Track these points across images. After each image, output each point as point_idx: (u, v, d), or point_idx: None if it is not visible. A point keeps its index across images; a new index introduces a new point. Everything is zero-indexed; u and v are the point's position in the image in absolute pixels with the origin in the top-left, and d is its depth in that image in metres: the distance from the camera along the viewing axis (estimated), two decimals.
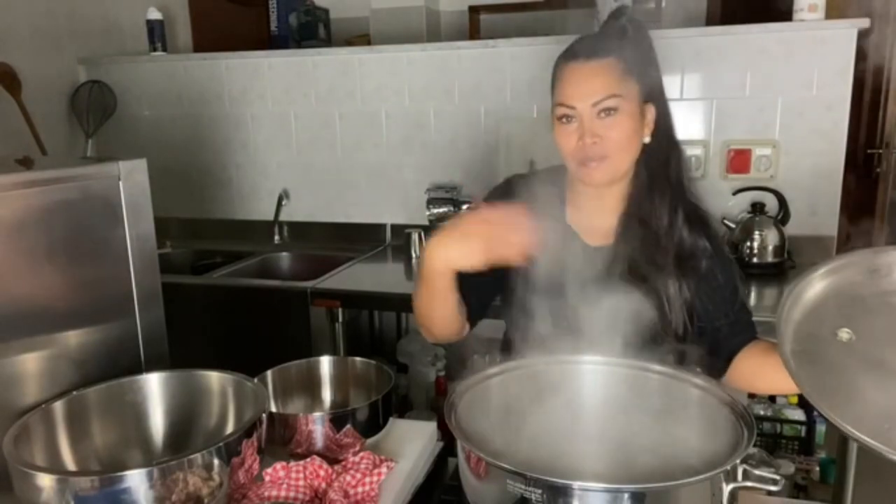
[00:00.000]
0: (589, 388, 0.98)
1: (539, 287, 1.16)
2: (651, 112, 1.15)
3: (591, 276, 1.17)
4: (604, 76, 1.10)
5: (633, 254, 1.15)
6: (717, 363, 1.16)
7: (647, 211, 1.15)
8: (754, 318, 1.21)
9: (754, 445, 0.75)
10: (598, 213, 1.21)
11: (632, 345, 1.11)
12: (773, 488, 0.73)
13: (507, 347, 1.29)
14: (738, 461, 0.72)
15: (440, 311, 1.12)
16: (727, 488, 0.72)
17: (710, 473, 0.70)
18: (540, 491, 0.69)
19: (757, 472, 0.72)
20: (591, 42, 1.15)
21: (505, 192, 1.27)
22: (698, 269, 1.15)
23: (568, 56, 1.15)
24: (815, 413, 2.16)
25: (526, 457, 0.90)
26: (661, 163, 1.17)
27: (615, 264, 1.16)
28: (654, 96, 1.16)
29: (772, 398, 2.23)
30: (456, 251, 1.00)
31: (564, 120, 1.13)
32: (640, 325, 1.12)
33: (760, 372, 1.14)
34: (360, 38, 3.27)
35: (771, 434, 2.12)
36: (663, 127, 1.17)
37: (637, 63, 1.13)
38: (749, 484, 0.73)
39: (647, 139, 1.16)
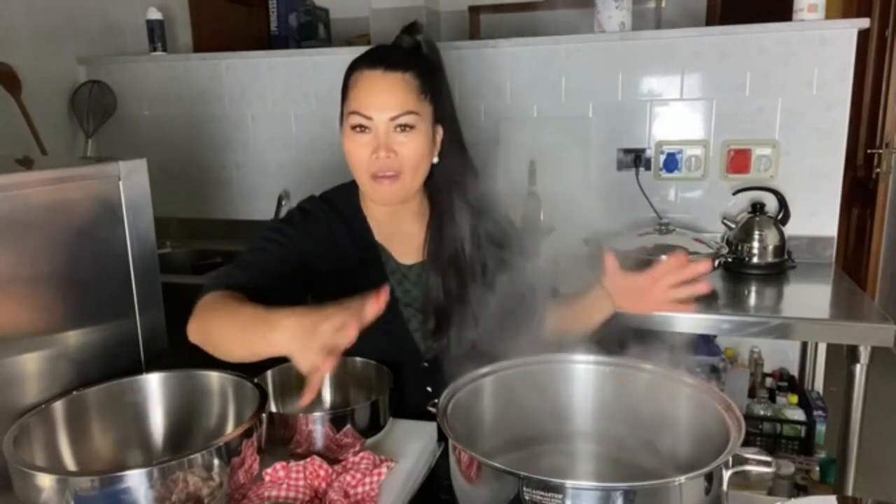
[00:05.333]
0: (580, 388, 0.98)
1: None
2: (440, 133, 1.17)
3: (409, 293, 1.22)
4: (402, 91, 1.10)
5: (442, 270, 1.18)
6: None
7: (448, 229, 1.18)
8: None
9: (755, 444, 0.75)
10: (399, 232, 1.23)
11: (454, 352, 1.14)
12: (766, 470, 0.73)
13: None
14: (728, 458, 0.72)
15: (236, 353, 0.95)
16: (726, 474, 0.73)
17: (700, 471, 0.70)
18: (532, 490, 0.69)
19: (748, 454, 0.73)
20: (389, 53, 1.14)
21: (305, 217, 1.22)
22: (499, 278, 1.16)
23: (365, 63, 1.13)
24: (816, 413, 2.16)
25: (518, 456, 0.90)
26: (455, 184, 1.19)
27: (430, 280, 1.20)
28: (445, 118, 1.17)
29: (772, 398, 2.23)
30: (299, 356, 0.84)
31: (359, 129, 1.12)
32: (459, 334, 1.15)
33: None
34: (360, 38, 3.28)
35: (771, 434, 2.12)
36: (453, 149, 1.19)
37: (432, 82, 1.14)
38: (745, 468, 0.73)
39: (435, 160, 1.18)
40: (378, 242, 1.23)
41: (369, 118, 1.10)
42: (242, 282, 1.07)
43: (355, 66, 1.14)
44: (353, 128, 1.13)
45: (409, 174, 1.13)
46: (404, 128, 1.10)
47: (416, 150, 1.11)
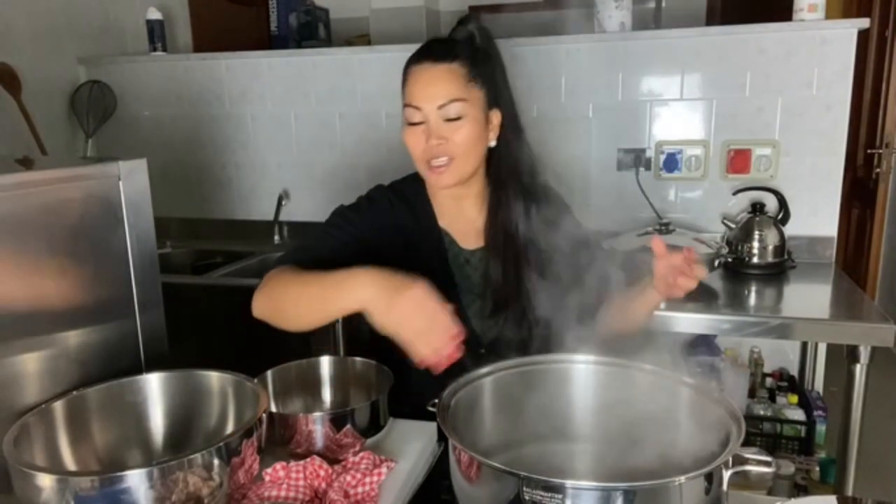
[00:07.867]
0: (580, 388, 0.98)
1: None
2: (497, 117, 1.21)
3: (470, 278, 1.24)
4: (447, 80, 1.15)
5: (501, 253, 1.21)
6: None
7: (507, 213, 1.21)
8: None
9: (755, 444, 0.75)
10: (462, 217, 1.26)
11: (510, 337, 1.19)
12: (766, 470, 0.73)
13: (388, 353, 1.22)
14: (728, 458, 0.72)
15: (313, 318, 1.07)
16: (726, 474, 0.73)
17: (699, 471, 0.70)
18: (532, 490, 0.69)
19: (748, 454, 0.73)
20: (438, 46, 1.20)
21: (371, 204, 1.26)
22: (558, 263, 1.17)
23: (416, 58, 1.19)
24: (816, 413, 2.16)
25: (518, 456, 0.90)
26: (511, 166, 1.23)
27: (490, 265, 1.22)
28: (501, 102, 1.21)
29: (772, 398, 2.23)
30: (390, 315, 0.95)
31: (414, 121, 1.17)
32: (517, 318, 1.20)
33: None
34: (360, 38, 3.28)
35: (771, 434, 2.12)
36: (511, 132, 1.23)
37: (483, 69, 1.19)
38: (745, 468, 0.73)
39: (492, 143, 1.22)
40: (442, 228, 1.26)
41: (419, 108, 1.16)
42: (305, 263, 1.14)
43: (409, 61, 1.20)
44: (409, 120, 1.18)
45: (461, 159, 1.17)
46: (453, 115, 1.15)
47: (466, 136, 1.16)
